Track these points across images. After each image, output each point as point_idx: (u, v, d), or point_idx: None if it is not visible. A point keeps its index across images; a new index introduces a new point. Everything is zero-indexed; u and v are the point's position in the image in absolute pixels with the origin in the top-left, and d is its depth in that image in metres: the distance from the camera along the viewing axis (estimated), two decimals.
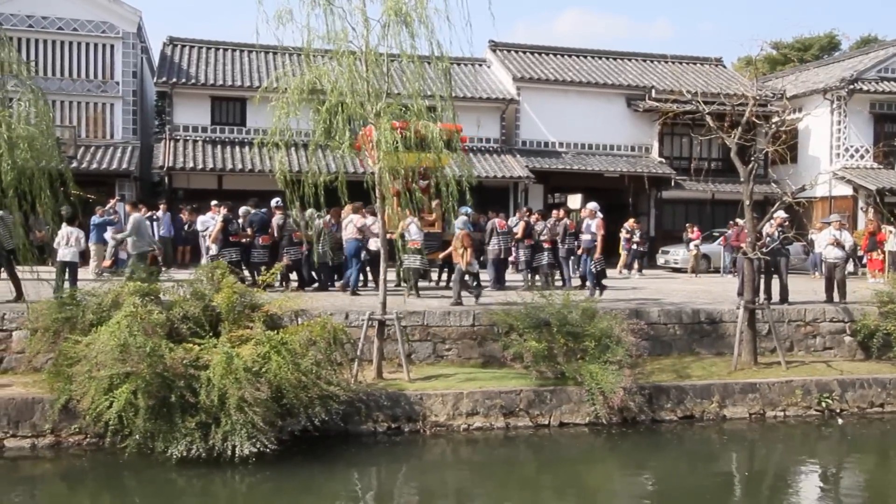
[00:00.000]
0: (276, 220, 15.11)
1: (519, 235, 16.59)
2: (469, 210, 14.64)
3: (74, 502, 8.66)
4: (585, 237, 15.39)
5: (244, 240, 15.25)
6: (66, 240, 12.85)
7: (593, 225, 15.30)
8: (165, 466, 8.68)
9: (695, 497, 9.08)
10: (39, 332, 10.13)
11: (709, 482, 9.70)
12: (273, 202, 15.34)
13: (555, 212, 17.69)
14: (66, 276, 12.76)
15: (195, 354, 9.21)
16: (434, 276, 16.63)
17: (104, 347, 8.80)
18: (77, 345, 9.37)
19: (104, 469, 9.11)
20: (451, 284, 14.28)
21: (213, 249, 15.12)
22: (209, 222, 17.51)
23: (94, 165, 22.04)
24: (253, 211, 15.58)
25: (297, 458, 9.11)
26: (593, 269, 15.10)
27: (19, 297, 11.95)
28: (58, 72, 23.54)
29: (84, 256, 14.74)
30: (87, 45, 23.80)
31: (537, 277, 16.36)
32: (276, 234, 15.13)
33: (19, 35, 22.37)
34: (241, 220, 15.49)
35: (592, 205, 15.97)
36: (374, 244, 14.51)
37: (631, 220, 21.97)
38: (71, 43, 23.63)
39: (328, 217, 14.85)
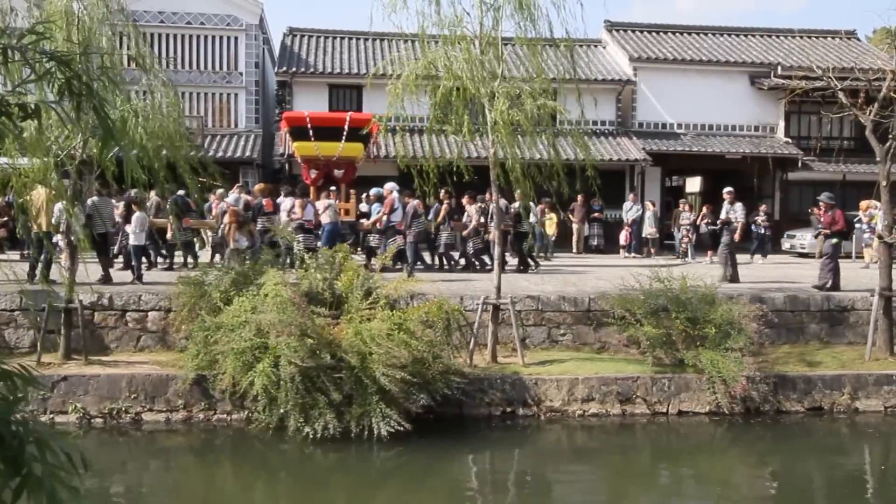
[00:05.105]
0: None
1: (440, 220, 16.06)
2: (395, 186, 14.89)
3: (206, 473, 9.13)
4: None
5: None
6: (142, 225, 13.56)
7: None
8: (295, 440, 8.97)
9: (824, 493, 8.68)
10: (178, 310, 10.74)
11: (839, 477, 9.24)
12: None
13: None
14: (134, 261, 13.30)
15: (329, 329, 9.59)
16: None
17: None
18: (214, 319, 9.85)
19: (231, 442, 9.58)
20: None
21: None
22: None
23: (220, 153, 23.02)
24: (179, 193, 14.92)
25: (420, 440, 9.14)
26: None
27: (107, 279, 12.55)
28: (186, 64, 24.72)
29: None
30: (213, 37, 24.89)
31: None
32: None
33: (151, 30, 23.53)
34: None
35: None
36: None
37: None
38: (198, 36, 24.79)
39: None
